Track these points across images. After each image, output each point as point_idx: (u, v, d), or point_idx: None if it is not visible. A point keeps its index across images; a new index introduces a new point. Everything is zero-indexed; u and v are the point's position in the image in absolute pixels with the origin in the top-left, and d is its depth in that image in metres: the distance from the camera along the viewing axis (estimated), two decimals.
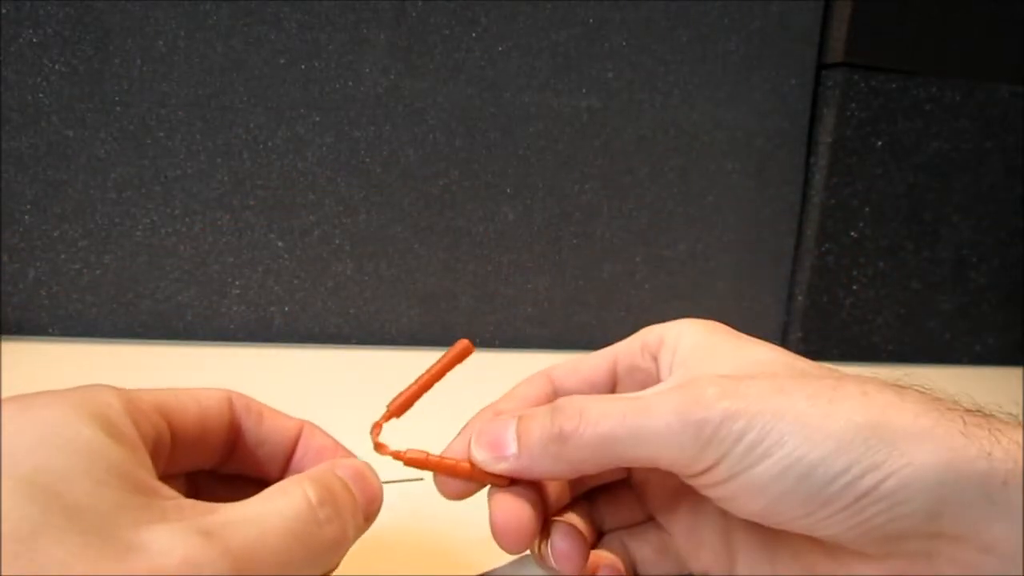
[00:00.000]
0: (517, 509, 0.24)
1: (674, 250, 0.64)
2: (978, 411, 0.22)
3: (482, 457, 0.24)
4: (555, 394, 0.28)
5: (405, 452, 0.26)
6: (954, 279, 0.67)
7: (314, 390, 0.49)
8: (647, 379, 0.27)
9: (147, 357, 0.52)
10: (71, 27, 0.51)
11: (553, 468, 0.24)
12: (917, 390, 0.22)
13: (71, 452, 0.17)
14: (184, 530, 0.17)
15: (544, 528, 0.25)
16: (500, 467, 0.24)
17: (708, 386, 0.22)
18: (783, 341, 0.66)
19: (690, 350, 0.26)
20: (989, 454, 0.20)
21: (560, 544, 0.25)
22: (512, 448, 0.24)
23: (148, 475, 0.18)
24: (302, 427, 0.25)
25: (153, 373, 0.49)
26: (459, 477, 0.25)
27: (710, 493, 0.23)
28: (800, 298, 0.65)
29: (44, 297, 0.54)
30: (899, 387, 0.22)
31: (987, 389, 0.62)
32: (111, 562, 0.15)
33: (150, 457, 0.20)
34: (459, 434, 0.27)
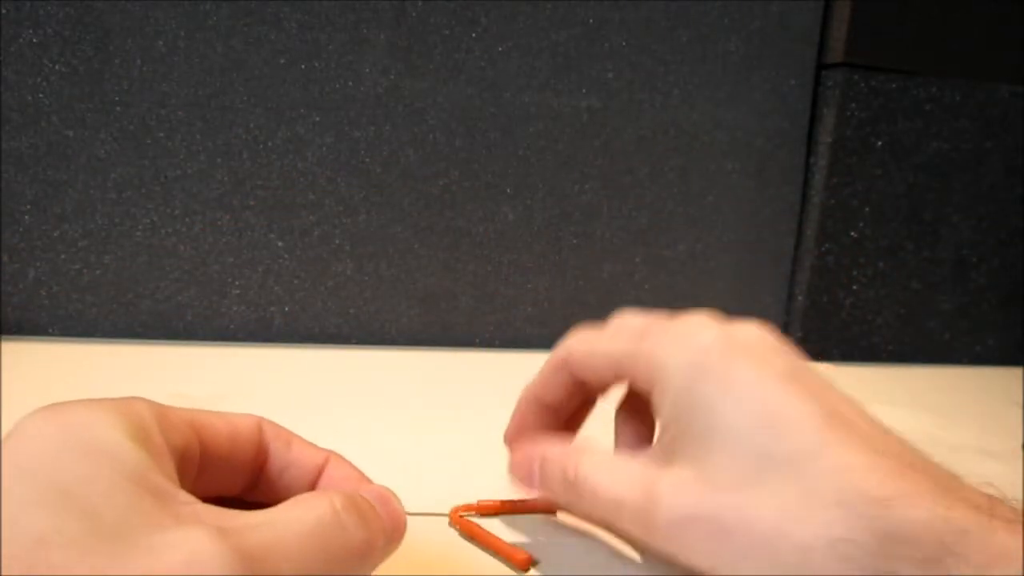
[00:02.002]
0: (528, 458, 0.30)
1: (674, 250, 0.64)
2: (946, 553, 0.19)
3: (517, 485, 0.30)
4: (573, 383, 0.30)
5: (478, 503, 0.33)
6: (954, 279, 0.67)
7: (314, 390, 0.49)
8: (643, 411, 0.30)
9: (147, 357, 0.52)
10: (71, 27, 0.51)
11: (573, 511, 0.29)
12: (862, 543, 0.19)
13: (92, 455, 0.17)
14: (196, 529, 0.17)
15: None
16: (533, 494, 0.30)
17: (658, 511, 0.24)
18: None
19: (671, 417, 0.26)
20: None
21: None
22: (537, 485, 0.29)
23: (169, 482, 0.18)
24: (328, 457, 0.25)
25: (153, 373, 0.49)
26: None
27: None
28: (800, 298, 0.65)
29: (44, 297, 0.54)
30: (841, 541, 0.20)
31: (987, 389, 0.62)
32: (118, 562, 0.15)
33: (177, 469, 0.20)
34: (512, 418, 0.32)
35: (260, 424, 0.25)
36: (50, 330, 0.55)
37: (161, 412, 0.20)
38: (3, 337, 0.53)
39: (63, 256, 0.54)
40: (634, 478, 0.25)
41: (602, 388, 0.30)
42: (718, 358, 0.24)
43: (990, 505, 0.20)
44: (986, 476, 0.22)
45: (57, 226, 0.54)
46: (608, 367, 0.28)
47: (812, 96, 0.63)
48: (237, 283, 0.57)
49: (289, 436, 0.25)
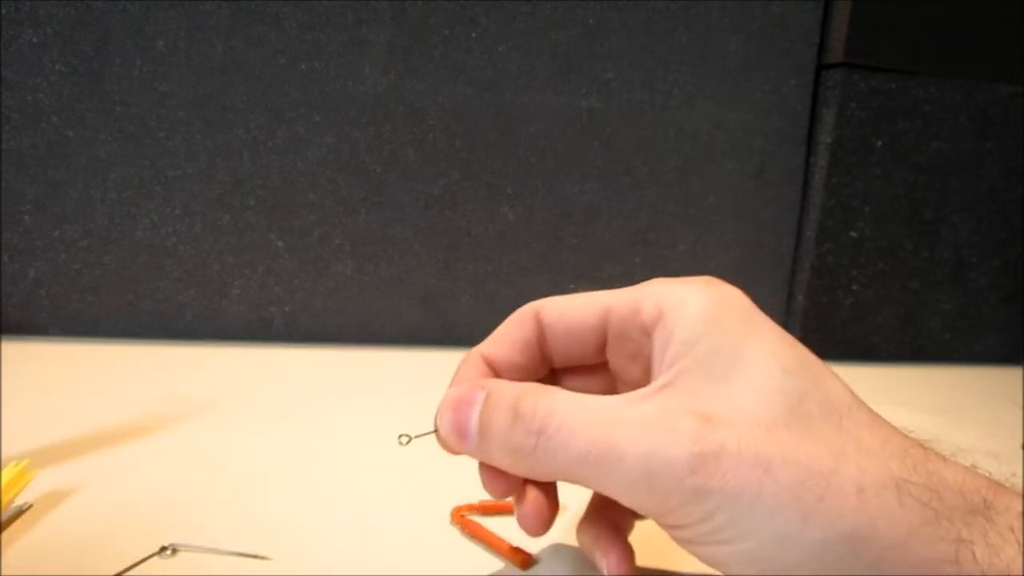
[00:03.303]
0: (498, 473, 0.24)
1: (674, 250, 0.64)
2: (984, 508, 0.19)
3: (445, 434, 0.24)
4: (543, 337, 0.26)
5: (479, 503, 0.33)
6: (954, 279, 0.67)
7: (314, 390, 0.49)
8: (638, 352, 0.25)
9: (147, 357, 0.52)
10: (71, 27, 0.51)
11: (509, 469, 0.23)
12: (921, 480, 0.19)
13: None
14: None
15: (521, 490, 0.25)
16: (463, 448, 0.24)
17: (686, 443, 0.19)
18: None
19: (688, 346, 0.22)
20: None
21: (525, 510, 0.25)
22: (473, 435, 0.23)
23: None
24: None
25: (153, 373, 0.49)
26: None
27: (674, 539, 0.22)
28: (800, 298, 0.65)
29: (44, 297, 0.54)
30: (901, 480, 0.19)
31: (987, 389, 0.62)
32: None
33: None
34: (451, 383, 0.26)
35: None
36: (50, 330, 0.55)
37: None
38: (3, 337, 0.53)
39: (63, 256, 0.54)
40: (636, 434, 0.20)
41: (564, 353, 0.27)
42: (740, 300, 0.23)
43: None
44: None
45: (57, 226, 0.54)
46: (595, 310, 0.26)
47: (812, 96, 0.63)
48: (237, 283, 0.57)
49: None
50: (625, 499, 0.21)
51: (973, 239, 0.67)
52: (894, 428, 0.21)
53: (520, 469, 0.23)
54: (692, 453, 0.19)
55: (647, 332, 0.24)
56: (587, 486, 0.22)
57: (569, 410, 0.22)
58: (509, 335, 0.26)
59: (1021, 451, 0.46)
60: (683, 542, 0.21)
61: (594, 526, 0.26)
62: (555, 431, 0.21)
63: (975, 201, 0.66)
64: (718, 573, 0.21)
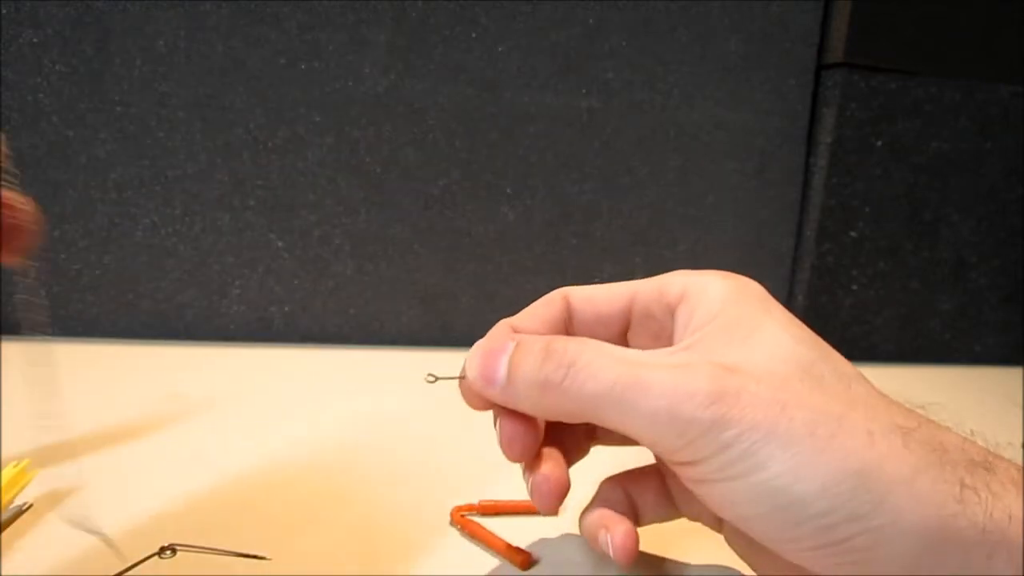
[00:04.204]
0: (520, 430, 0.25)
1: (674, 250, 0.64)
2: (984, 462, 0.20)
3: (473, 377, 0.25)
4: (570, 319, 0.28)
5: (479, 503, 0.33)
6: (954, 279, 0.67)
7: (314, 390, 0.49)
8: (660, 332, 0.27)
9: (147, 357, 0.52)
10: (71, 27, 0.51)
11: (534, 410, 0.24)
12: (925, 435, 0.21)
13: None
14: None
15: (534, 461, 0.26)
16: (488, 392, 0.24)
17: (706, 380, 0.21)
18: None
19: (709, 317, 0.24)
20: (979, 526, 0.19)
21: (539, 479, 0.25)
22: (501, 379, 0.24)
23: None
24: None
25: (153, 373, 0.49)
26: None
27: (686, 483, 0.22)
28: (800, 298, 0.65)
29: (44, 297, 0.54)
30: (907, 429, 0.21)
31: (987, 389, 0.62)
32: None
33: None
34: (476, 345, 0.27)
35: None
36: (50, 330, 0.55)
37: None
38: (3, 337, 0.53)
39: (63, 256, 0.54)
40: (662, 375, 0.21)
41: (588, 336, 0.27)
42: (756, 288, 0.25)
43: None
44: None
45: (57, 226, 0.54)
46: (622, 294, 0.27)
47: (812, 96, 0.63)
48: (237, 283, 0.57)
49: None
50: (647, 433, 0.22)
51: (973, 239, 0.67)
52: (897, 401, 0.23)
53: (545, 406, 0.23)
54: (713, 388, 0.21)
55: (670, 310, 0.26)
56: (610, 421, 0.22)
57: (598, 350, 0.23)
58: (538, 312, 0.28)
59: (1021, 451, 0.46)
60: (696, 482, 0.22)
61: (597, 510, 0.27)
62: (584, 364, 0.22)
63: (975, 201, 0.66)
64: (723, 564, 0.22)
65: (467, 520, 0.31)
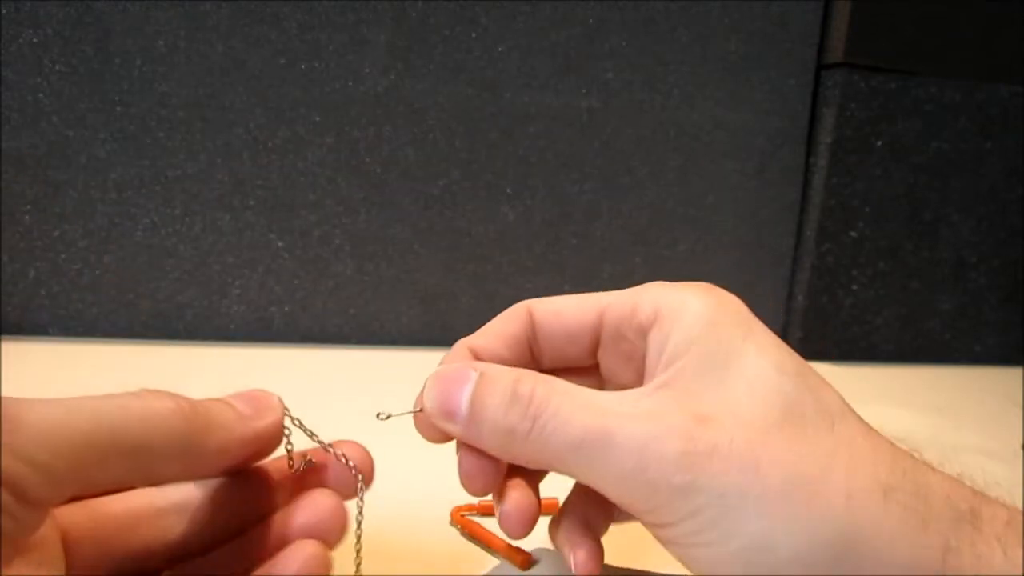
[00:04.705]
0: (481, 465, 0.23)
1: (674, 250, 0.64)
2: (971, 512, 0.19)
3: (432, 411, 0.23)
4: (535, 336, 0.26)
5: (479, 503, 0.33)
6: (954, 279, 0.67)
7: (314, 390, 0.49)
8: (632, 353, 0.25)
9: (147, 357, 0.52)
10: (71, 27, 0.51)
11: (497, 453, 0.22)
12: (909, 488, 0.19)
13: None
14: None
15: (501, 487, 0.24)
16: (448, 428, 0.23)
17: (678, 438, 0.20)
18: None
19: (685, 346, 0.22)
20: None
21: (507, 508, 0.24)
22: (463, 415, 0.22)
23: None
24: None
25: (153, 373, 0.49)
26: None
27: (659, 540, 0.21)
28: (800, 298, 0.65)
29: (44, 297, 0.54)
30: (889, 487, 0.19)
31: (987, 389, 0.62)
32: None
33: None
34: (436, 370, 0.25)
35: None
36: (50, 330, 0.55)
37: None
38: (3, 337, 0.53)
39: (63, 256, 0.54)
40: (631, 427, 0.20)
41: (555, 353, 0.26)
42: (736, 306, 0.23)
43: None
44: (986, 476, 0.22)
45: (57, 226, 0.54)
46: (590, 309, 0.25)
47: (812, 96, 0.63)
48: (237, 283, 0.57)
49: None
50: (613, 492, 0.21)
51: (973, 239, 0.67)
52: (884, 437, 0.21)
53: (509, 454, 0.22)
54: (684, 450, 0.19)
55: (643, 333, 0.24)
56: (577, 476, 0.22)
57: (566, 398, 0.21)
58: (499, 330, 0.26)
59: (1021, 451, 0.46)
60: (667, 543, 0.21)
61: (567, 523, 0.25)
62: (551, 416, 0.21)
63: (975, 201, 0.66)
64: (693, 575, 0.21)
65: (467, 520, 0.31)
